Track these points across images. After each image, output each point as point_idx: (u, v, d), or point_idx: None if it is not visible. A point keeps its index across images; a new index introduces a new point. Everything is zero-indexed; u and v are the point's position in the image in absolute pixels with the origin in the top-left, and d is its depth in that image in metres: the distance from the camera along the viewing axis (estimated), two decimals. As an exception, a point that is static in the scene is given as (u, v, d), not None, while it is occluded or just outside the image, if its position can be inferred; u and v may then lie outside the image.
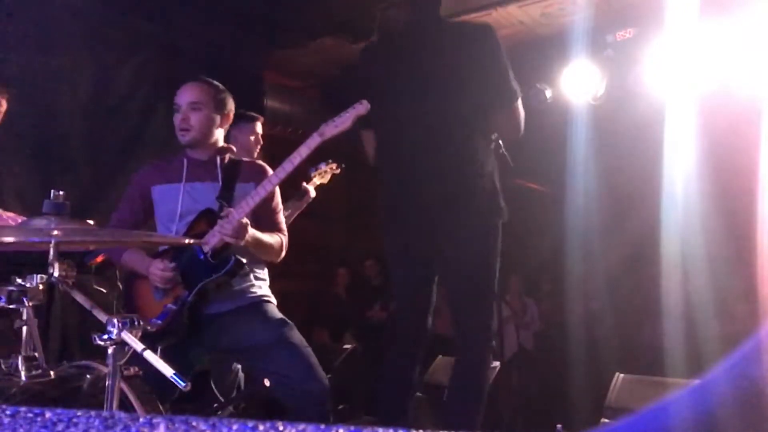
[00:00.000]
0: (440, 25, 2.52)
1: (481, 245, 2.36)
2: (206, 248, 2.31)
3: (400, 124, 2.44)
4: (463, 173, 2.37)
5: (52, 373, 1.62)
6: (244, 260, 2.35)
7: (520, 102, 2.46)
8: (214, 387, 3.45)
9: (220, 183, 2.46)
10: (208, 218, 2.37)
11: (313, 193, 3.86)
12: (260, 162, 2.62)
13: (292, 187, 3.88)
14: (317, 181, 3.97)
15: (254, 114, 3.82)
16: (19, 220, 2.57)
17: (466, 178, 2.37)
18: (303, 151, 2.29)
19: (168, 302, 2.34)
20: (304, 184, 3.85)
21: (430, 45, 2.45)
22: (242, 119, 3.77)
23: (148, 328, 2.21)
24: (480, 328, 2.37)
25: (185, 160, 2.53)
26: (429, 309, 2.49)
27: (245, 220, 2.28)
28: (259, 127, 3.79)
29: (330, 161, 4.10)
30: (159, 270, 2.30)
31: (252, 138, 3.76)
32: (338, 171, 4.14)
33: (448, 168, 2.36)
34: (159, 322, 2.30)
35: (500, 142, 2.64)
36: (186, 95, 2.54)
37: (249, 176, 2.50)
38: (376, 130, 2.54)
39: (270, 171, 2.49)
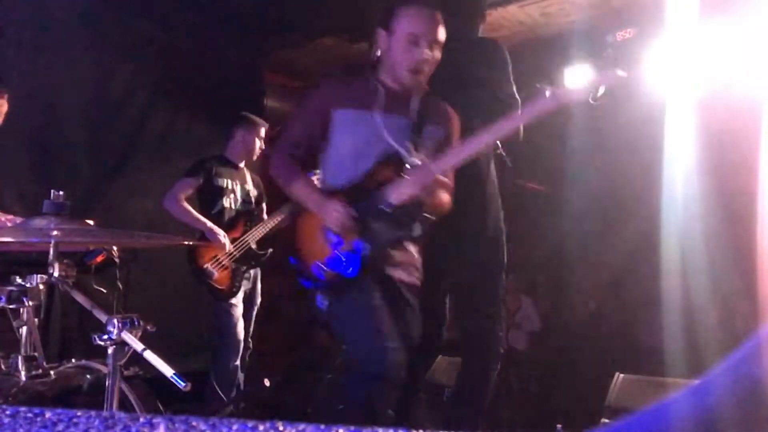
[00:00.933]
0: (455, 39, 2.50)
1: (488, 254, 2.37)
2: (393, 200, 1.99)
3: None
4: (468, 187, 2.33)
5: (52, 373, 1.62)
6: (432, 217, 2.06)
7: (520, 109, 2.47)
8: (216, 387, 3.46)
9: (413, 121, 2.11)
10: (395, 163, 2.04)
11: None
12: (444, 103, 2.28)
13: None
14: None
15: (262, 120, 3.85)
16: (16, 222, 2.57)
17: (471, 191, 2.35)
18: (528, 113, 1.98)
19: (343, 249, 2.02)
20: None
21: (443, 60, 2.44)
22: (249, 122, 3.79)
23: (323, 269, 2.02)
24: (486, 335, 2.36)
25: (380, 87, 2.12)
26: (443, 320, 2.46)
27: (443, 177, 1.97)
28: (263, 133, 3.82)
29: None
30: (337, 212, 1.98)
31: (257, 141, 3.78)
32: None
33: (456, 181, 2.33)
34: (327, 269, 2.03)
35: (498, 142, 2.65)
36: (438, 29, 2.09)
37: (438, 118, 2.18)
38: None
39: (453, 114, 2.25)
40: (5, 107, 2.89)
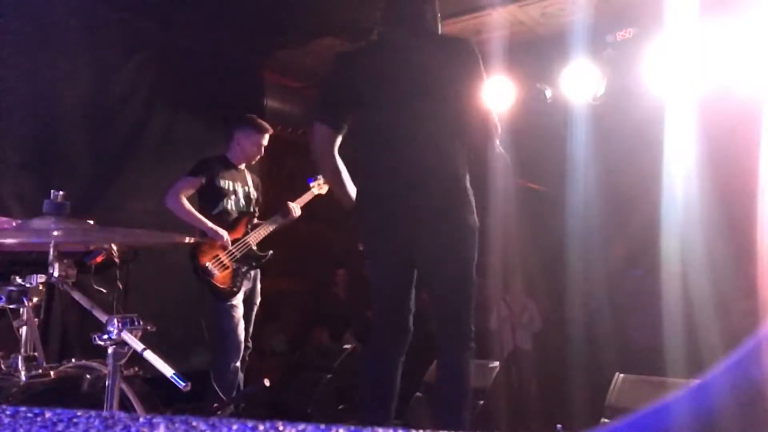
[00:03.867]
0: (424, 37, 2.54)
1: (460, 252, 2.41)
2: None
3: (384, 133, 2.47)
4: (443, 182, 2.41)
5: (52, 373, 1.62)
6: None
7: (494, 116, 2.49)
8: (216, 388, 3.46)
9: None
10: None
11: (297, 212, 3.84)
12: None
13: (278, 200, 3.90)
14: (315, 191, 3.98)
15: (266, 125, 3.80)
16: (13, 224, 2.56)
17: (446, 187, 2.41)
18: None
19: None
20: (289, 203, 3.83)
21: (413, 57, 2.48)
22: (249, 126, 3.76)
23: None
24: (460, 332, 2.40)
25: None
26: (410, 312, 2.51)
27: None
28: (265, 140, 3.79)
29: None
30: None
31: (255, 148, 3.76)
32: None
33: (430, 177, 2.39)
34: None
35: (497, 141, 2.66)
36: None
37: None
38: (361, 137, 2.56)
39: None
40: None
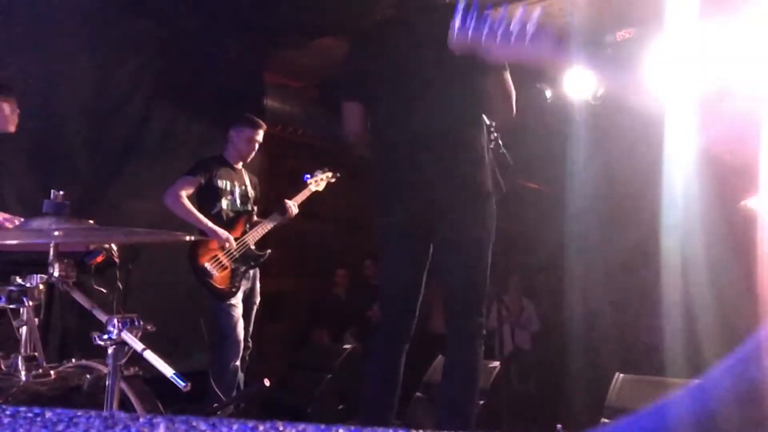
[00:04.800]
0: (439, 8, 2.51)
1: (477, 229, 2.37)
2: None
3: (400, 109, 2.44)
4: (461, 158, 2.38)
5: (52, 373, 1.62)
6: None
7: (508, 74, 2.45)
8: (216, 388, 3.46)
9: None
10: None
11: (295, 210, 3.84)
12: None
13: (276, 201, 3.90)
14: (312, 188, 3.97)
15: (259, 121, 3.79)
16: (16, 222, 2.56)
17: (464, 162, 2.38)
18: None
19: None
20: (287, 200, 3.83)
21: (429, 27, 2.44)
22: (243, 124, 3.76)
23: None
24: (472, 319, 2.37)
25: None
26: (418, 299, 2.47)
27: None
28: (260, 135, 3.77)
29: (326, 169, 4.10)
30: None
31: (248, 144, 3.74)
32: (333, 180, 4.13)
33: (447, 152, 2.37)
34: None
35: (500, 142, 2.65)
36: None
37: None
38: (375, 115, 2.54)
39: None
40: (6, 111, 2.90)
